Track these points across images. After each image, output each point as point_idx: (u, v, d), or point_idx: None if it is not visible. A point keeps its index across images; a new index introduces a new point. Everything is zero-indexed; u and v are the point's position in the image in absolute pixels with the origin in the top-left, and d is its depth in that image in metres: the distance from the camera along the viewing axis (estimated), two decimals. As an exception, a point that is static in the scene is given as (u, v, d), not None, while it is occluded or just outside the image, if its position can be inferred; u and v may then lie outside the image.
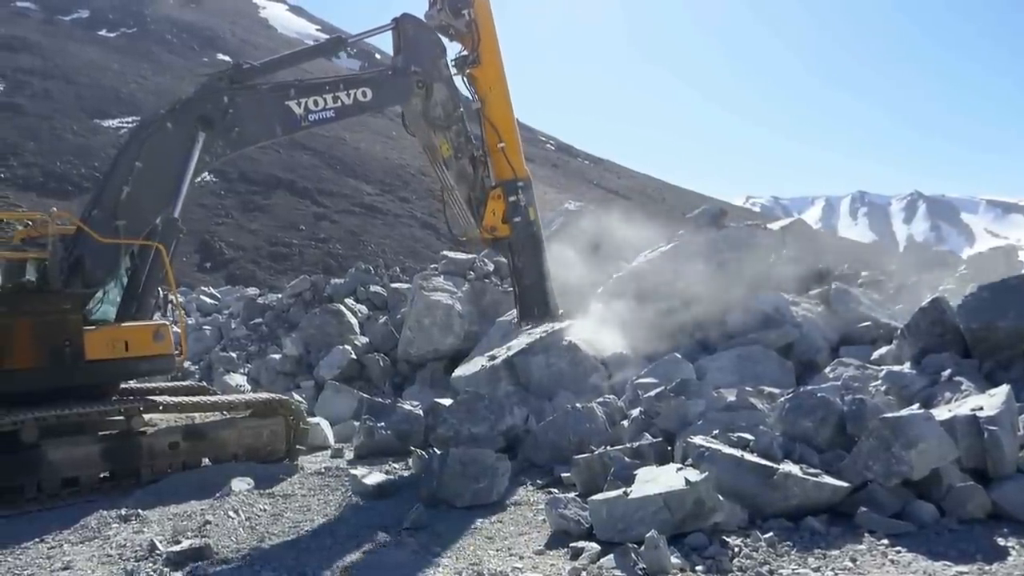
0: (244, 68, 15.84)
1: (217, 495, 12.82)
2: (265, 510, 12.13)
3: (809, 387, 12.73)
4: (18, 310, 13.62)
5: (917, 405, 11.56)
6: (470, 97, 18.56)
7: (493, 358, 18.98)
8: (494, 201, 18.19)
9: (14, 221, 16.35)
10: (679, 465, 10.83)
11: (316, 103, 16.17)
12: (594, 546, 9.39)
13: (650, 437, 12.68)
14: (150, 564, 9.88)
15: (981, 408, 10.38)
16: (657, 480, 10.03)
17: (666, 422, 13.08)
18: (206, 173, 16.15)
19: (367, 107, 17.14)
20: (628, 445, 12.42)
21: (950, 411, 10.59)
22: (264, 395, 17.09)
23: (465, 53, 18.28)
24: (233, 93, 15.43)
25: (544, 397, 17.08)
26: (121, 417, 14.38)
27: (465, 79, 18.35)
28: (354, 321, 26.68)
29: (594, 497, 10.16)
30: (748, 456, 10.40)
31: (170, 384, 18.07)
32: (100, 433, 14.29)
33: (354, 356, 24.52)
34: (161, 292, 15.58)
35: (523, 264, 18.44)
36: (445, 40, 18.19)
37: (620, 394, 16.20)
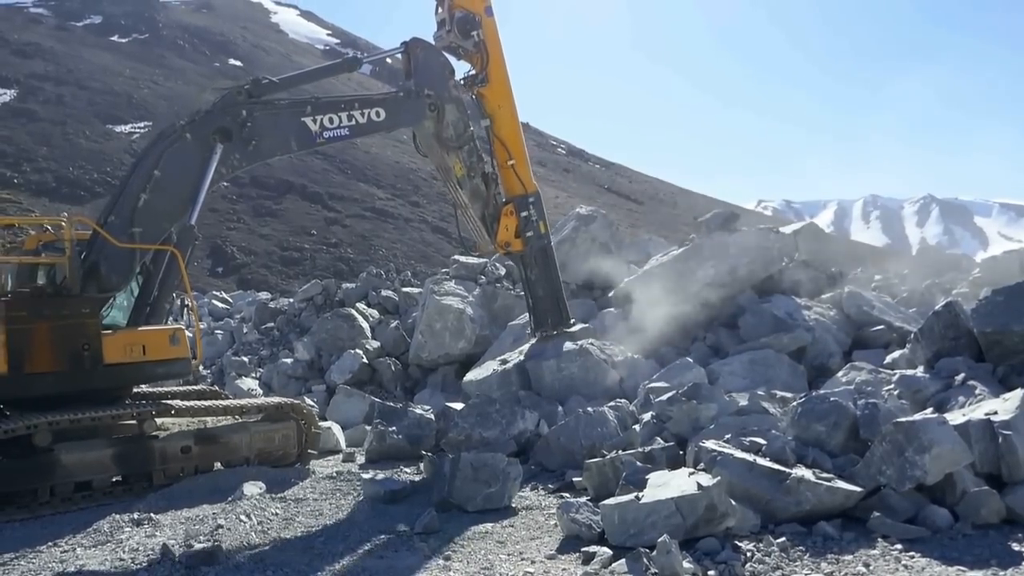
0: (263, 83, 15.93)
1: (229, 499, 12.83)
2: (277, 514, 12.14)
3: (822, 391, 12.70)
4: (38, 314, 13.69)
5: (931, 409, 11.55)
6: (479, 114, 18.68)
7: (505, 362, 19.00)
8: (507, 217, 18.39)
9: (27, 226, 16.42)
10: (691, 469, 10.84)
11: (331, 120, 16.31)
12: (606, 551, 9.38)
13: (662, 441, 12.67)
14: (162, 568, 9.89)
15: (995, 412, 10.35)
16: (669, 485, 10.01)
17: (678, 426, 13.07)
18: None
19: (380, 127, 17.32)
20: (640, 449, 12.39)
21: (964, 415, 10.55)
22: (276, 399, 17.11)
23: (473, 72, 18.43)
24: (252, 107, 15.55)
25: (556, 401, 17.08)
26: (134, 421, 14.45)
27: (474, 97, 18.49)
28: (365, 325, 26.67)
29: (606, 502, 10.14)
30: (760, 460, 10.38)
31: (182, 388, 18.11)
32: (113, 437, 14.36)
33: (365, 360, 24.50)
34: (177, 297, 15.68)
35: (536, 277, 18.64)
36: (453, 60, 18.33)
37: (632, 398, 16.18)
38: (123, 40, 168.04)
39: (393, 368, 24.20)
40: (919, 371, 13.77)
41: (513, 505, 12.09)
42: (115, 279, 14.52)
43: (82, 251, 14.37)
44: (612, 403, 15.34)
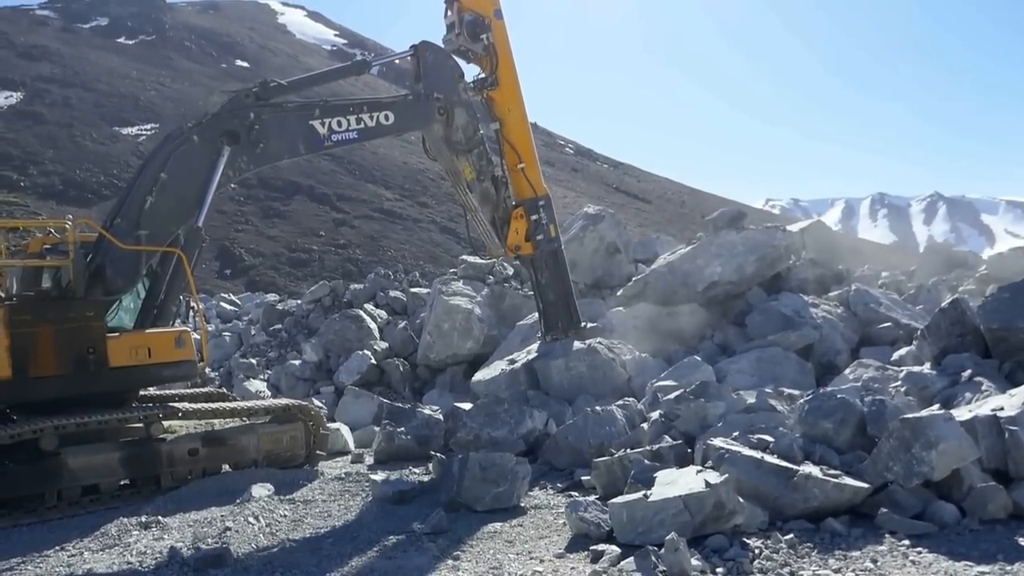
0: (271, 86, 15.96)
1: (237, 501, 12.86)
2: (285, 516, 12.16)
3: (829, 388, 12.69)
4: (42, 317, 13.70)
5: (937, 406, 11.52)
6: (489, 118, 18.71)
7: (513, 362, 19.00)
8: (516, 220, 18.44)
9: (32, 229, 16.45)
10: (699, 467, 10.82)
11: (339, 124, 16.34)
12: (614, 549, 9.39)
13: (670, 439, 12.65)
14: (171, 571, 9.91)
15: (1002, 408, 10.35)
16: (677, 483, 10.01)
17: (686, 424, 13.07)
18: (228, 183, 16.32)
19: (389, 130, 17.41)
20: (648, 448, 12.40)
21: (971, 411, 10.55)
22: (284, 401, 17.10)
23: (483, 75, 18.46)
24: (259, 110, 15.60)
25: (564, 401, 17.08)
26: (141, 424, 14.45)
27: (483, 101, 18.51)
28: (374, 326, 26.67)
29: (614, 500, 10.15)
30: (768, 458, 10.38)
31: (190, 391, 18.11)
32: (120, 440, 14.35)
33: (374, 361, 24.50)
34: (183, 299, 15.68)
35: (546, 280, 18.68)
36: (462, 63, 18.34)
37: (640, 397, 16.18)
38: (129, 42, 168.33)
39: (401, 369, 24.20)
40: (926, 368, 13.75)
41: (522, 504, 12.09)
42: (121, 282, 14.52)
43: (87, 254, 14.36)
44: (620, 402, 15.31)
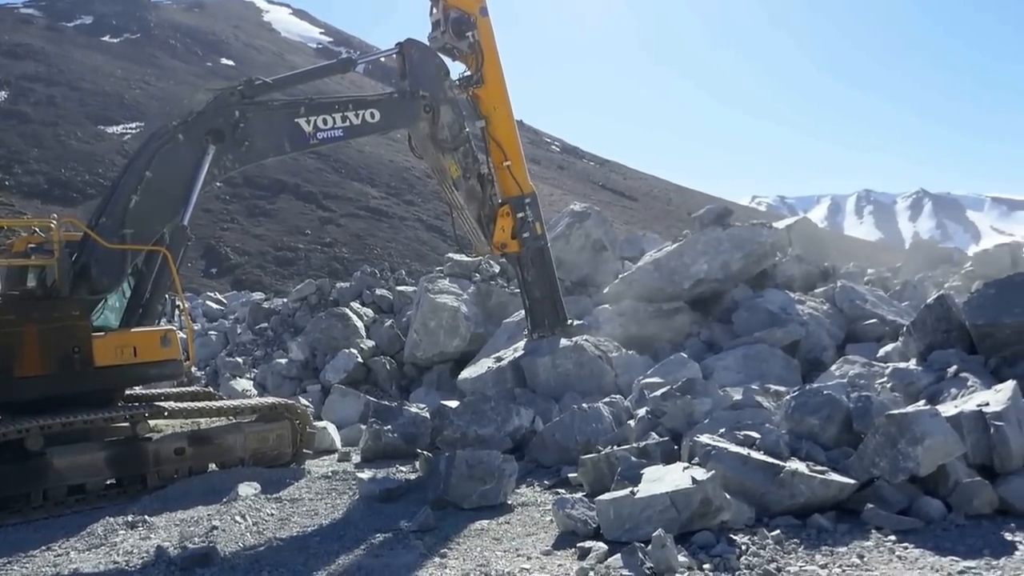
0: (256, 83, 15.91)
1: (224, 500, 12.83)
2: (272, 514, 12.14)
3: (815, 385, 12.71)
4: (27, 317, 13.64)
5: (923, 402, 11.53)
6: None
7: (499, 360, 19.00)
8: (503, 218, 18.43)
9: (18, 228, 16.38)
10: (686, 464, 10.81)
11: (325, 121, 16.31)
12: (601, 546, 9.38)
13: (657, 436, 12.66)
14: (157, 570, 9.88)
15: (987, 404, 10.39)
16: (664, 479, 10.01)
17: (672, 421, 13.09)
18: (214, 182, 16.29)
19: (375, 128, 17.36)
20: (635, 445, 12.40)
21: (956, 407, 10.59)
22: (270, 399, 17.06)
23: (469, 73, 18.44)
24: (245, 108, 15.54)
25: (551, 398, 17.08)
26: (127, 423, 14.41)
27: (469, 98, 18.49)
28: (360, 325, 26.63)
29: (601, 497, 10.15)
30: (754, 454, 10.40)
31: (176, 390, 18.07)
32: (106, 440, 14.30)
33: (360, 360, 24.48)
34: (168, 298, 15.63)
35: (532, 278, 18.66)
36: (448, 60, 18.33)
37: (627, 394, 16.19)
38: (114, 40, 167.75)
39: (388, 367, 24.18)
40: (912, 364, 13.78)
41: (509, 502, 12.09)
42: (106, 281, 14.45)
43: (72, 253, 14.30)
44: (607, 399, 15.33)
